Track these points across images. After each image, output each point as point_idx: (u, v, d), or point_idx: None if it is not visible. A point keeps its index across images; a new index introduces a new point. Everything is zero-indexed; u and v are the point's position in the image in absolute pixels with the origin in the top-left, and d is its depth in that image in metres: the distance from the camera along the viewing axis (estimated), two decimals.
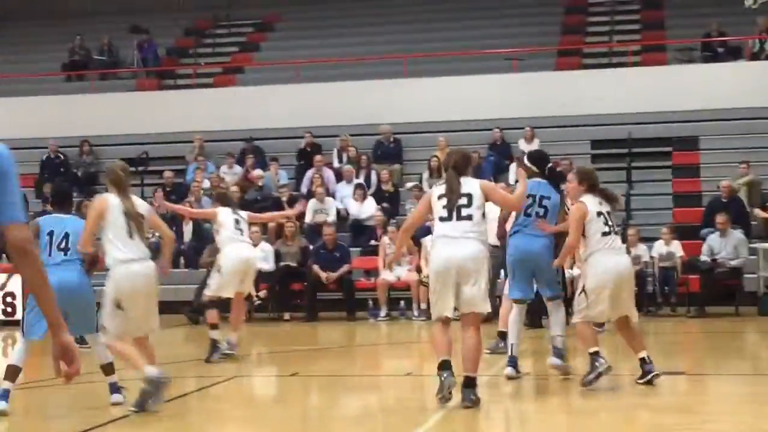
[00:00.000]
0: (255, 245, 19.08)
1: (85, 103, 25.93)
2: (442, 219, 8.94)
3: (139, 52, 27.88)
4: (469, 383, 8.85)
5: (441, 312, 8.93)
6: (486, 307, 8.91)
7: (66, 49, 28.12)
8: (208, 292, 13.01)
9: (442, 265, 8.83)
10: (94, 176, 24.28)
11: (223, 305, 13.15)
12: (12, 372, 9.22)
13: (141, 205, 9.36)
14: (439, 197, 8.99)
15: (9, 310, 19.07)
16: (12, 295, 19.02)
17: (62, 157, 24.58)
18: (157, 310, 9.35)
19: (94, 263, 9.43)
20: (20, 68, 28.02)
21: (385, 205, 20.97)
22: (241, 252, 12.84)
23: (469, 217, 8.85)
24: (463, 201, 8.90)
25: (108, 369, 9.43)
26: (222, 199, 13.41)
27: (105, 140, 25.01)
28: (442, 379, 8.73)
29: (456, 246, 8.81)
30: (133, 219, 9.09)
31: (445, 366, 8.79)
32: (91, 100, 26.06)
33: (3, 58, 28.54)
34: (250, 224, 13.74)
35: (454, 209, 8.87)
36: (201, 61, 28.29)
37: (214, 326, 12.78)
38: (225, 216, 12.97)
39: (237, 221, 12.95)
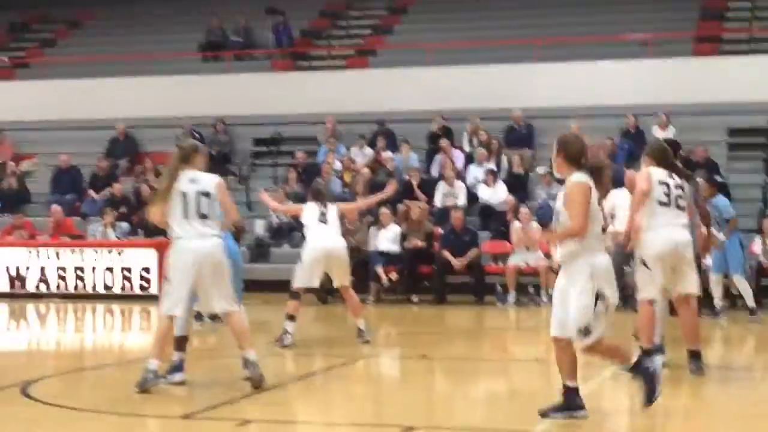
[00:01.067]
0: (384, 226, 19.31)
1: (221, 83, 26.33)
2: (663, 204, 9.74)
3: (275, 33, 28.17)
4: (697, 355, 9.95)
5: (651, 294, 9.82)
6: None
7: (203, 30, 28.58)
8: (294, 284, 12.95)
9: (666, 250, 9.68)
10: (228, 155, 24.67)
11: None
12: (180, 342, 9.57)
13: (209, 184, 9.35)
14: (661, 183, 9.78)
15: (145, 284, 19.53)
16: (148, 269, 19.48)
17: (197, 135, 25.01)
18: (224, 289, 9.25)
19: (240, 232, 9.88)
20: (158, 48, 28.54)
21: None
22: (320, 241, 12.75)
23: (684, 208, 9.85)
24: (679, 192, 9.83)
25: (179, 344, 9.68)
26: (315, 193, 13.28)
27: (239, 120, 25.36)
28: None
29: (678, 233, 9.75)
30: (192, 198, 9.20)
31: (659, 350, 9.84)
32: (227, 81, 26.45)
33: (142, 39, 29.10)
34: (342, 216, 13.50)
35: (675, 198, 9.76)
36: (334, 43, 28.48)
37: (290, 317, 12.69)
38: (309, 212, 12.96)
39: (322, 213, 12.92)
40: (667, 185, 9.83)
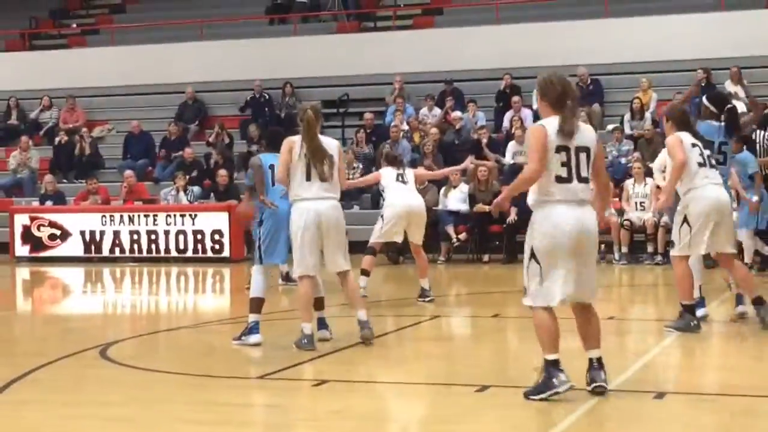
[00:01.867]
0: (453, 186, 19.28)
1: (288, 45, 26.39)
2: (701, 165, 9.84)
3: None
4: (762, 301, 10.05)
5: (686, 252, 9.93)
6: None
7: None
8: (372, 239, 13.16)
9: (713, 207, 9.79)
10: (296, 118, 24.71)
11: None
12: (257, 304, 9.70)
13: (330, 147, 9.49)
14: (693, 145, 9.87)
15: (217, 247, 19.70)
16: (220, 233, 19.65)
17: (266, 97, 25.11)
18: (340, 249, 9.52)
19: None
20: (226, 12, 28.64)
21: None
22: (402, 199, 12.92)
23: (716, 166, 10.03)
24: (708, 151, 10.02)
25: (317, 304, 9.75)
26: (390, 159, 13.41)
27: (306, 82, 25.42)
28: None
29: (720, 191, 9.91)
30: (317, 161, 9.26)
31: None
32: (294, 43, 26.51)
33: (209, 3, 29.22)
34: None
35: (707, 158, 9.93)
36: (400, 3, 28.37)
37: (364, 272, 12.90)
38: (387, 176, 13.11)
39: (399, 175, 13.07)
40: (699, 146, 9.96)
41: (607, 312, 12.45)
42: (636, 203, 18.23)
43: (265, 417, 7.32)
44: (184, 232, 19.87)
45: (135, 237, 20.16)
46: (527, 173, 7.12)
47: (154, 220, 20.08)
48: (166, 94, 26.12)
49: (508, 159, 20.75)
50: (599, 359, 7.28)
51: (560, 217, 7.06)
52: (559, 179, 7.05)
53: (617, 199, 18.62)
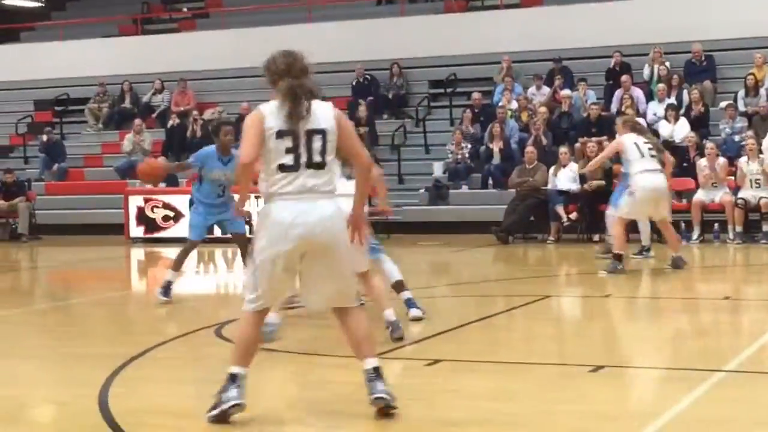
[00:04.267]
0: (563, 165, 19.12)
1: (395, 26, 26.41)
2: None
3: None
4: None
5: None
6: None
7: None
8: (618, 213, 13.32)
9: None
10: (404, 98, 24.79)
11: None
12: (398, 286, 9.74)
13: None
14: None
15: None
16: None
17: (369, 79, 25.16)
18: None
19: None
20: None
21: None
22: (651, 181, 13.03)
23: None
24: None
25: (398, 287, 9.75)
26: (633, 125, 13.56)
27: (414, 63, 25.42)
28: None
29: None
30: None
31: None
32: (400, 23, 26.52)
33: None
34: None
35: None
36: None
37: (617, 254, 13.08)
38: (630, 143, 13.20)
39: (650, 148, 13.19)
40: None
41: (722, 292, 12.29)
42: (751, 181, 17.89)
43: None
44: None
45: (247, 218, 20.32)
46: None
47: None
48: None
49: None
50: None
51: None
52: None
53: (732, 177, 18.32)
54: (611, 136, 19.11)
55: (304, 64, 6.27)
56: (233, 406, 6.15)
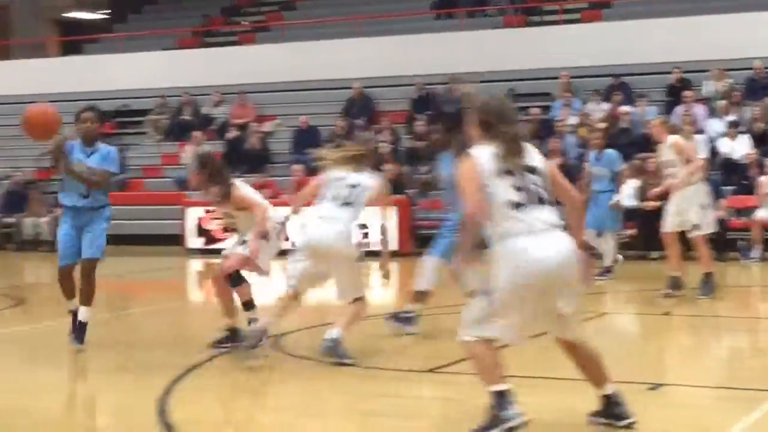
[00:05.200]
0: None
1: (454, 40, 26.43)
2: None
3: None
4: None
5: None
6: None
7: None
8: (702, 232, 12.73)
9: None
10: (462, 113, 24.75)
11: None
12: (422, 296, 9.85)
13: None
14: None
15: (365, 240, 19.83)
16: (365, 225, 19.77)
17: (429, 94, 25.19)
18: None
19: None
20: (391, 8, 28.86)
21: None
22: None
23: None
24: None
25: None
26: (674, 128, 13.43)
27: (472, 77, 25.40)
28: None
29: None
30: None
31: None
32: (460, 38, 26.54)
33: None
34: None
35: None
36: None
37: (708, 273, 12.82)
38: None
39: None
40: None
41: None
42: None
43: (441, 410, 7.37)
44: None
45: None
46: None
47: None
48: (333, 90, 26.45)
49: None
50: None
51: None
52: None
53: None
54: None
55: (514, 109, 6.43)
56: (519, 422, 6.05)
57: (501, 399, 6.05)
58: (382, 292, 15.92)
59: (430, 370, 8.42)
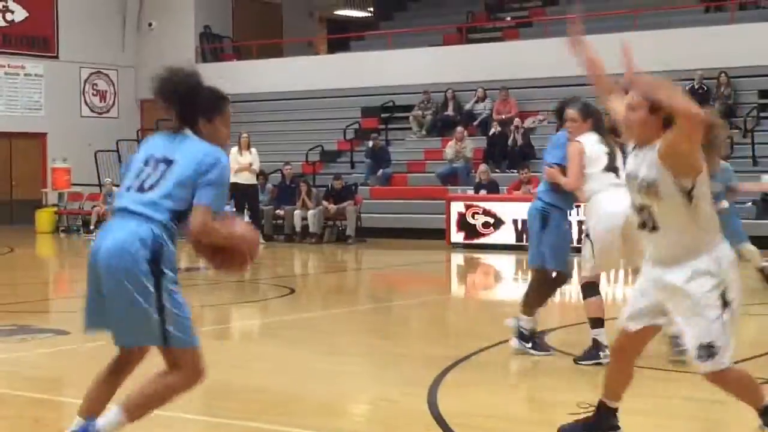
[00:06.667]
0: None
1: (725, 34, 25.57)
2: None
3: None
4: None
5: None
6: None
7: None
8: None
9: None
10: (732, 108, 23.98)
11: None
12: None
13: None
14: None
15: None
16: None
17: (704, 89, 24.49)
18: None
19: None
20: (657, 1, 28.16)
21: None
22: None
23: None
24: None
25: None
26: None
27: (743, 72, 24.56)
28: None
29: None
30: None
31: None
32: (729, 31, 25.66)
33: None
34: None
35: None
36: None
37: None
38: None
39: None
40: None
41: None
42: None
43: (707, 413, 7.18)
44: None
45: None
46: None
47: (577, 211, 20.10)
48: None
49: None
50: None
51: None
52: None
53: None
54: None
55: None
56: None
57: None
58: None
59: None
